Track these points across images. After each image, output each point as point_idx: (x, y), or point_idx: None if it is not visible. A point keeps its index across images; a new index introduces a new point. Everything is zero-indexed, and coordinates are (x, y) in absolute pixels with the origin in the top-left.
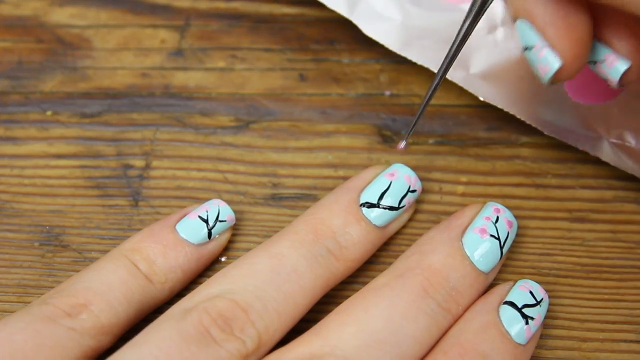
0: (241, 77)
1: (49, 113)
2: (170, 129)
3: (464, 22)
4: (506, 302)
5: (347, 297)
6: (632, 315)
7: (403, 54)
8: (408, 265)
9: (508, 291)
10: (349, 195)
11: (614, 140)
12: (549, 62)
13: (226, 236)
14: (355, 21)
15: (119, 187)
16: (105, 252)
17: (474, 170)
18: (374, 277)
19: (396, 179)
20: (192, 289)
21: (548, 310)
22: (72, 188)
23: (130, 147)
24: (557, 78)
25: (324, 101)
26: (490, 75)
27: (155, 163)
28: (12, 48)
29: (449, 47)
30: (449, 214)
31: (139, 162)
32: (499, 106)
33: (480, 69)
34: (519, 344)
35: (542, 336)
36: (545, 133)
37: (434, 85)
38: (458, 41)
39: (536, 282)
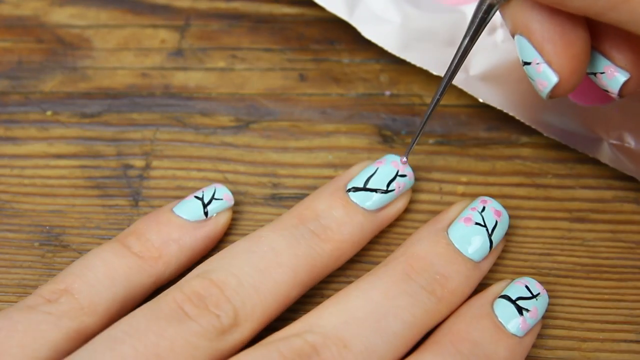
0: (241, 77)
1: (49, 113)
2: (170, 129)
3: (464, 39)
4: (501, 296)
5: None
6: (632, 315)
7: (402, 56)
8: (393, 256)
9: (504, 288)
10: (335, 184)
11: (614, 142)
12: (547, 77)
13: (225, 217)
14: (354, 24)
15: (119, 187)
16: None
17: (474, 170)
18: None
19: (383, 165)
20: None
21: (548, 310)
22: (72, 188)
23: (130, 147)
24: (555, 93)
25: (324, 101)
26: (490, 77)
27: (155, 163)
28: (12, 48)
29: (448, 48)
30: None
31: (139, 162)
32: (499, 108)
33: (480, 70)
34: (514, 335)
35: (542, 336)
36: (545, 135)
37: (434, 103)
38: (457, 58)
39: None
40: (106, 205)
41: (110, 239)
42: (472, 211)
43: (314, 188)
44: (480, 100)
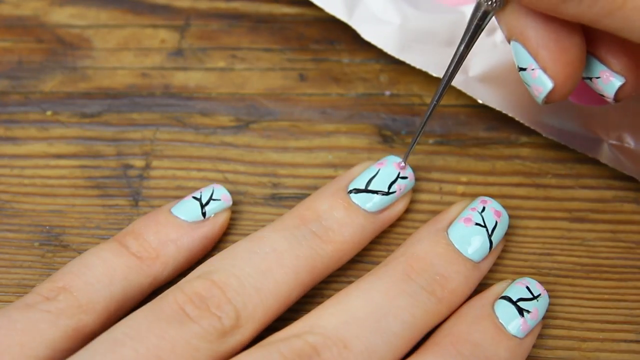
0: (241, 77)
1: (49, 113)
2: (170, 129)
3: (459, 45)
4: (502, 297)
5: None
6: (632, 315)
7: (402, 57)
8: (393, 256)
9: (505, 288)
10: (337, 184)
11: (614, 142)
12: (542, 83)
13: (223, 217)
14: (353, 25)
15: (119, 187)
16: None
17: (474, 170)
18: None
19: (385, 167)
20: None
21: (548, 310)
22: (72, 188)
23: (130, 147)
24: (550, 99)
25: (324, 101)
26: (489, 78)
27: (155, 163)
28: (12, 48)
29: (448, 49)
30: None
31: (139, 162)
32: (498, 109)
33: (479, 71)
34: (514, 336)
35: (542, 336)
36: (544, 135)
37: (431, 108)
38: (454, 63)
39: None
40: (106, 205)
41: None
42: (472, 211)
43: (314, 188)
44: (479, 102)
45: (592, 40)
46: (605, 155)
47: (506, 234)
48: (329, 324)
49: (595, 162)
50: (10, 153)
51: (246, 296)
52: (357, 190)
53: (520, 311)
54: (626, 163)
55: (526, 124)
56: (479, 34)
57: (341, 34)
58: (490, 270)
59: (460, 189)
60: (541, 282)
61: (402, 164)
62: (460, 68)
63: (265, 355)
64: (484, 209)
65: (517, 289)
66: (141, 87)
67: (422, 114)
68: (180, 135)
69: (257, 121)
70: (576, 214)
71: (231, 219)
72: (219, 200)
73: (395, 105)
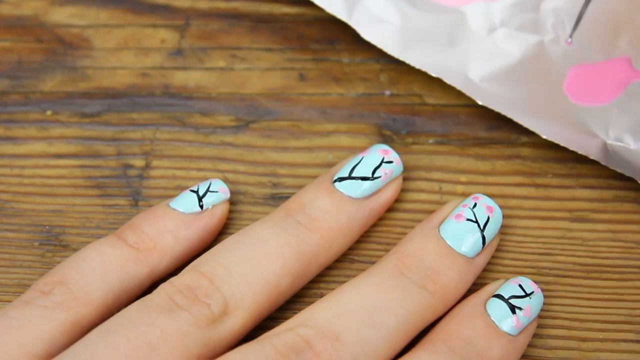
0: (241, 76)
1: (49, 113)
2: (170, 129)
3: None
4: (494, 295)
5: None
6: (632, 315)
7: (402, 57)
8: (386, 255)
9: (498, 287)
10: (322, 177)
11: (613, 142)
12: None
13: (221, 209)
14: (353, 25)
15: (119, 187)
16: None
17: (474, 170)
18: None
19: (368, 154)
20: None
21: (548, 310)
22: (72, 188)
23: (130, 147)
24: None
25: (324, 101)
26: (488, 78)
27: (155, 163)
28: (12, 48)
29: (448, 49)
30: None
31: (139, 162)
32: (497, 109)
33: (478, 72)
34: (507, 333)
35: (542, 336)
36: (544, 137)
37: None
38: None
39: (536, 282)
40: (106, 204)
41: None
42: (463, 208)
43: None
44: (480, 103)
45: None
46: (605, 155)
47: (506, 233)
48: (321, 317)
49: (596, 162)
50: (10, 153)
51: (233, 284)
52: (341, 179)
53: (513, 309)
54: (626, 163)
55: (525, 125)
56: None
57: (341, 34)
58: (490, 271)
59: (460, 188)
60: (541, 282)
61: (569, 40)
62: (460, 69)
63: (258, 349)
64: (475, 204)
65: (509, 287)
66: (141, 87)
67: (422, 114)
68: (180, 135)
69: (257, 121)
70: (576, 213)
71: (231, 218)
72: (216, 192)
73: (395, 105)
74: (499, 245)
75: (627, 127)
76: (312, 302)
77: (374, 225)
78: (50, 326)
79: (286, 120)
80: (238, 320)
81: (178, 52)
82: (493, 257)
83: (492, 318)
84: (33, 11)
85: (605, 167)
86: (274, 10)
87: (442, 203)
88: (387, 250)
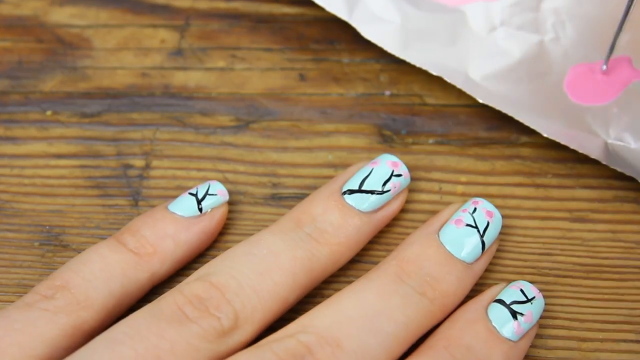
0: (241, 77)
1: (49, 113)
2: (170, 129)
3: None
4: (495, 301)
5: None
6: (632, 315)
7: (402, 56)
8: (385, 260)
9: (499, 292)
10: (331, 187)
11: (614, 142)
12: None
13: (220, 212)
14: (353, 24)
15: (119, 187)
16: None
17: (474, 170)
18: None
19: (378, 166)
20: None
21: (548, 310)
22: (72, 188)
23: (130, 147)
24: None
25: (324, 101)
26: (489, 77)
27: (155, 163)
28: (12, 48)
29: (448, 48)
30: None
31: (139, 162)
32: (498, 108)
33: (479, 71)
34: (508, 339)
35: (542, 336)
36: (545, 135)
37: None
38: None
39: (536, 282)
40: (106, 205)
41: None
42: (463, 213)
43: (314, 188)
44: (480, 101)
45: None
46: (605, 155)
47: (506, 234)
48: (322, 324)
49: (596, 162)
50: (10, 153)
51: (245, 297)
52: (351, 191)
53: (514, 314)
54: (626, 163)
55: (526, 124)
56: None
57: (341, 34)
58: (490, 271)
59: (460, 189)
60: (541, 282)
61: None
62: (461, 68)
63: (259, 356)
64: (475, 209)
65: (511, 292)
66: (141, 87)
67: (422, 114)
68: (180, 135)
69: (257, 121)
70: (576, 214)
71: (231, 219)
72: (215, 195)
73: (395, 105)
74: (498, 245)
75: (627, 127)
76: (311, 302)
77: None
78: (52, 330)
79: (286, 120)
80: (247, 333)
81: (178, 52)
82: (493, 257)
83: (493, 324)
84: (33, 11)
85: (605, 167)
86: (274, 10)
87: (442, 203)
88: (388, 250)
